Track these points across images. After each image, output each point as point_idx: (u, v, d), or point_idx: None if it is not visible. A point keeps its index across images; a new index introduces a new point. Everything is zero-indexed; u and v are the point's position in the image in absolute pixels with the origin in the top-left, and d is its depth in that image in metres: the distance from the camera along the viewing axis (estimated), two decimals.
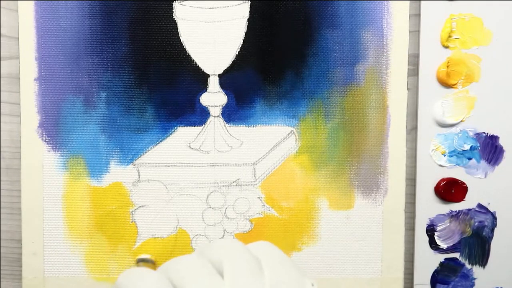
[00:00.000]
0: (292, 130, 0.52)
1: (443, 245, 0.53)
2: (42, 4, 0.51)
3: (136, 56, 0.51)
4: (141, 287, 0.31)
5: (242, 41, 0.51)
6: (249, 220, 0.53)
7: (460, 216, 0.52)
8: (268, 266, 0.32)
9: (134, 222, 0.53)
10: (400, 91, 0.51)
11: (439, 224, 0.52)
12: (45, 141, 0.52)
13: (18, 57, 0.52)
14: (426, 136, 0.52)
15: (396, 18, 0.51)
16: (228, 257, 0.32)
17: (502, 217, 0.53)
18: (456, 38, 0.51)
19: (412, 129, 0.52)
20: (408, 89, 0.52)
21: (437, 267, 0.53)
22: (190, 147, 0.52)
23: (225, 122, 0.52)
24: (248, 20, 0.51)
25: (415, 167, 0.52)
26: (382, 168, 0.52)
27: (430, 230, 0.52)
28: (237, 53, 0.51)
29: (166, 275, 0.32)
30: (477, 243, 0.53)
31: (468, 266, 0.53)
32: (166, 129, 0.52)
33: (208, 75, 0.52)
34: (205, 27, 0.51)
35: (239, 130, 0.52)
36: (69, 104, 0.52)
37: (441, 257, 0.53)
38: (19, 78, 0.52)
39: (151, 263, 0.52)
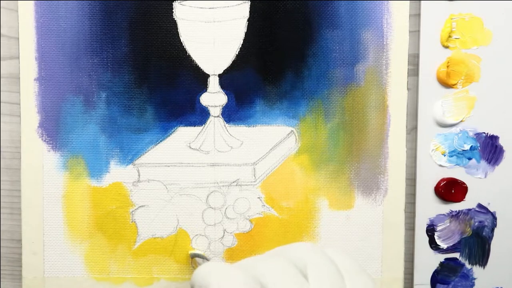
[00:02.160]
0: (292, 130, 0.52)
1: (443, 245, 0.53)
2: (42, 4, 0.51)
3: (136, 56, 0.51)
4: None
5: (242, 41, 0.51)
6: (249, 220, 0.53)
7: (460, 216, 0.52)
8: (346, 271, 0.31)
9: (134, 222, 0.53)
10: (400, 91, 0.51)
11: (439, 224, 0.52)
12: (45, 141, 0.52)
13: (18, 57, 0.52)
14: (426, 136, 0.52)
15: (396, 18, 0.51)
16: (312, 260, 0.31)
17: (502, 217, 0.53)
18: (456, 38, 0.51)
19: (412, 129, 0.52)
20: (408, 89, 0.52)
21: (437, 267, 0.53)
22: (190, 147, 0.52)
23: (225, 122, 0.52)
24: (248, 20, 0.51)
25: (415, 167, 0.52)
26: (382, 168, 0.52)
27: (430, 230, 0.52)
28: (237, 53, 0.51)
29: (250, 274, 0.30)
30: (477, 243, 0.53)
31: (468, 266, 0.53)
32: (166, 129, 0.52)
33: (208, 75, 0.52)
34: (205, 27, 0.51)
35: (239, 130, 0.52)
36: (69, 104, 0.52)
37: (441, 257, 0.53)
38: (19, 78, 0.52)
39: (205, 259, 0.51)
